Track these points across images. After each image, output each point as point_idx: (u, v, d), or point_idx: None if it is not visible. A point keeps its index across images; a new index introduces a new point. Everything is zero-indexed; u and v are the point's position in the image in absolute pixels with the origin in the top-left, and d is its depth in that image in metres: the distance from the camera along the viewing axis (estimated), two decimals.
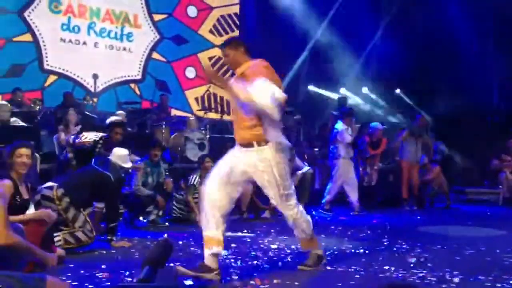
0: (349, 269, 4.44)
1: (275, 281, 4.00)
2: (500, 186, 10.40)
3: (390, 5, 13.95)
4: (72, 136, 6.76)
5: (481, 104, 13.40)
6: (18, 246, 2.71)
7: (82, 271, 4.13)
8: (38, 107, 9.35)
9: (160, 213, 6.94)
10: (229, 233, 6.16)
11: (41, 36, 11.32)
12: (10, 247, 2.66)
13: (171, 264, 4.04)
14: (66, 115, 8.22)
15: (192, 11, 13.17)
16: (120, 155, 5.59)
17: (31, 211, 4.30)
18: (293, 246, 5.45)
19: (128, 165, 5.64)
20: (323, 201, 8.68)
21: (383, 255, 5.10)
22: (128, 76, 12.21)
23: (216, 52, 13.46)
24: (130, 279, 3.91)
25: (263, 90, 3.85)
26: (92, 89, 11.43)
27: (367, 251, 5.30)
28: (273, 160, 4.06)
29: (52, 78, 11.41)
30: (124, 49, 12.21)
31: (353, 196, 8.69)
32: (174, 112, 11.91)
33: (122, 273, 4.09)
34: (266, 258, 4.87)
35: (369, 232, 6.59)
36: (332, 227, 7.02)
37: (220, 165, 4.21)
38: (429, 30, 13.40)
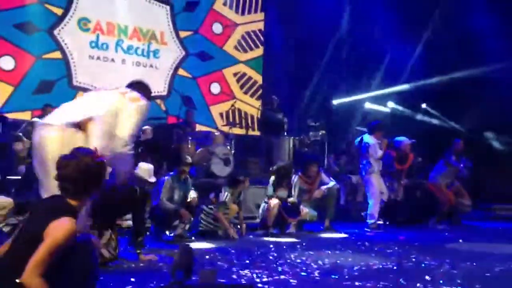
0: (378, 285, 4.40)
1: None
2: None
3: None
4: None
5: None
6: None
7: (111, 284, 4.18)
8: None
9: (187, 227, 6.97)
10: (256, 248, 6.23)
11: (70, 53, 11.57)
12: None
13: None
14: None
15: (217, 27, 13.34)
16: (145, 169, 5.68)
17: None
18: (319, 261, 5.44)
19: (153, 179, 5.73)
20: (370, 222, 8.57)
21: (411, 271, 5.05)
22: (155, 92, 12.35)
23: (241, 68, 13.61)
24: None
25: None
26: None
27: (395, 267, 5.25)
28: None
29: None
30: (151, 65, 12.40)
31: (376, 209, 8.61)
32: (199, 127, 12.01)
33: (151, 286, 4.13)
34: (293, 273, 4.85)
35: (396, 248, 6.52)
36: (359, 243, 6.97)
37: None
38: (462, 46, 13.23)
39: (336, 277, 4.73)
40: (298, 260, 5.50)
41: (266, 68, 13.99)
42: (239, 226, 7.32)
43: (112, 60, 11.94)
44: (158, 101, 12.33)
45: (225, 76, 13.40)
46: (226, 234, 7.15)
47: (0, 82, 10.76)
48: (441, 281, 4.59)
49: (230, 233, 7.04)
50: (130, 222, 5.71)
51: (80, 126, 4.17)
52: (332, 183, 8.34)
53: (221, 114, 13.05)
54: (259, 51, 13.96)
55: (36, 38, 11.22)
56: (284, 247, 6.44)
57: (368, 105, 14.28)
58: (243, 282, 4.41)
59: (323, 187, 8.26)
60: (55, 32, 11.45)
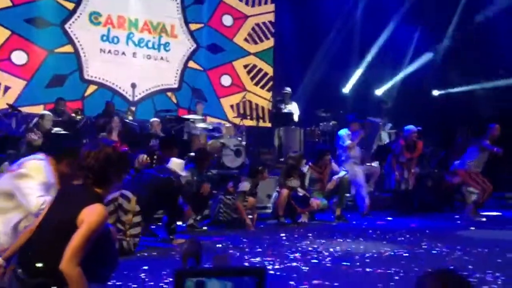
0: (388, 271, 4.43)
1: (314, 281, 4.04)
2: None
3: None
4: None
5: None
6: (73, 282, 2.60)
7: (125, 272, 4.25)
8: (79, 117, 9.63)
9: (198, 217, 7.04)
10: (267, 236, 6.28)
11: (81, 47, 11.66)
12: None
13: None
14: (111, 122, 8.45)
15: (227, 20, 13.36)
16: (177, 163, 6.02)
17: None
18: (331, 249, 5.48)
19: (184, 173, 6.05)
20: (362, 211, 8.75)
21: (422, 258, 5.08)
22: (165, 84, 12.45)
23: (251, 60, 13.62)
24: (170, 279, 4.01)
25: None
26: (130, 98, 11.71)
27: (406, 254, 5.28)
28: None
29: (92, 88, 11.73)
30: (162, 58, 12.46)
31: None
32: (210, 120, 12.07)
33: (163, 274, 4.20)
34: (304, 260, 4.90)
35: (407, 235, 6.55)
36: (370, 231, 7.00)
37: None
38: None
39: (348, 264, 4.78)
40: (310, 248, 5.55)
41: (277, 60, 13.99)
42: (250, 216, 7.36)
43: (123, 53, 12.02)
44: (169, 93, 12.40)
45: (235, 68, 13.42)
46: (242, 224, 7.20)
47: (13, 77, 10.88)
48: (452, 267, 4.62)
49: (248, 223, 7.10)
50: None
51: None
52: (343, 173, 8.36)
53: (231, 106, 13.09)
54: (269, 43, 13.95)
55: (47, 33, 11.33)
56: (296, 236, 6.49)
57: (378, 93, 14.26)
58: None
59: (335, 177, 8.28)
60: (67, 26, 11.55)
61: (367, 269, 4.53)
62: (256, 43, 13.75)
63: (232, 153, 9.79)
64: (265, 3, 13.87)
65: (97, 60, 11.77)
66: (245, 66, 13.55)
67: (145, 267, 4.46)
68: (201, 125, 10.33)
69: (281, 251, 5.38)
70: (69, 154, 4.00)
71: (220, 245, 5.66)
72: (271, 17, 13.95)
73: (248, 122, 11.81)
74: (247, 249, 5.43)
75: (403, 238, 6.35)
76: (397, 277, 4.23)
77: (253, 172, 7.45)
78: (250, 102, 13.30)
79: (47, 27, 11.31)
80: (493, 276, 4.26)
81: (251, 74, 13.65)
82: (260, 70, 13.76)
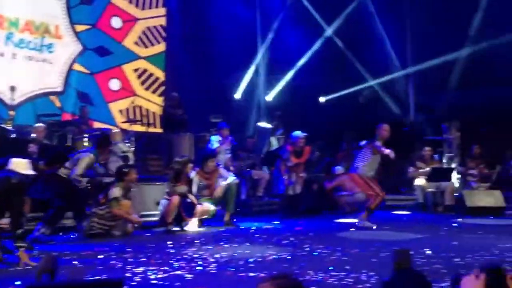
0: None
1: None
2: (416, 193, 10.91)
3: None
4: None
5: (398, 115, 14.19)
6: None
7: None
8: None
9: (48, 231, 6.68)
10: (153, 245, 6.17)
11: None
12: None
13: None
14: None
15: (116, 22, 12.96)
16: (19, 162, 5.23)
17: None
18: (217, 255, 5.49)
19: (30, 172, 5.36)
20: None
21: (304, 260, 5.25)
22: (48, 88, 11.82)
23: (142, 64, 13.34)
24: None
25: None
26: (9, 102, 10.96)
27: (289, 257, 5.43)
28: None
29: None
30: (44, 60, 11.80)
31: None
32: (98, 125, 11.62)
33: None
34: (189, 268, 4.87)
35: (292, 238, 6.73)
36: (257, 235, 7.12)
37: None
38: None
39: (232, 269, 4.81)
40: (196, 255, 5.52)
41: (168, 64, 13.83)
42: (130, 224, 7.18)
43: (1, 54, 11.24)
44: (53, 97, 11.79)
45: (125, 72, 13.05)
46: (123, 232, 7.01)
47: None
48: (331, 268, 4.82)
49: (136, 220, 6.93)
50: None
51: None
52: (231, 178, 8.42)
53: (120, 111, 12.72)
54: (161, 47, 13.73)
55: None
56: (182, 243, 6.43)
57: (269, 98, 14.60)
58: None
59: (223, 183, 8.32)
60: None
61: (251, 274, 4.59)
62: (147, 47, 13.48)
63: (119, 159, 9.50)
64: (156, 6, 13.65)
65: None
66: (135, 70, 13.23)
67: (18, 282, 4.19)
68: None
69: (165, 259, 5.29)
70: None
71: (101, 256, 5.45)
72: (162, 21, 13.75)
73: (138, 128, 11.52)
74: (130, 259, 5.29)
75: (287, 241, 6.52)
76: None
77: (120, 175, 7.24)
78: (140, 107, 13.02)
79: None
80: (367, 275, 4.49)
81: (142, 79, 13.36)
82: (151, 74, 13.52)
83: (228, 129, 10.17)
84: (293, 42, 13.93)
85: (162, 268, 4.82)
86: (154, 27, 13.64)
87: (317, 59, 14.41)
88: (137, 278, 4.44)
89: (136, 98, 12.80)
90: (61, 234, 6.90)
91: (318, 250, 5.79)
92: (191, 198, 7.72)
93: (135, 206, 7.81)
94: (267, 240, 6.70)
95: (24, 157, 5.52)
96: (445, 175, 10.82)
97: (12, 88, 10.58)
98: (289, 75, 14.51)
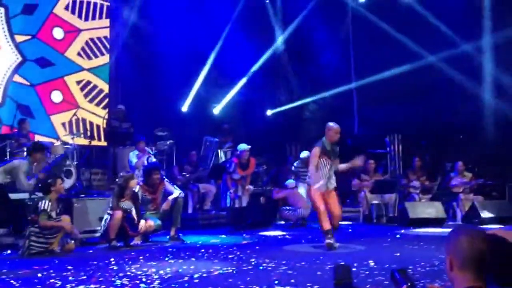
0: None
1: None
2: (360, 205, 11.13)
3: None
4: None
5: (343, 128, 14.39)
6: None
7: None
8: None
9: None
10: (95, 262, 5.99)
11: None
12: None
13: None
14: None
15: (58, 33, 12.62)
16: None
17: None
18: (161, 271, 5.39)
19: None
20: None
21: (250, 275, 5.22)
22: None
23: (85, 75, 13.04)
24: None
25: None
26: None
27: (234, 272, 5.38)
28: None
29: None
30: None
31: None
32: (38, 138, 11.24)
33: None
34: (132, 286, 4.74)
35: (238, 252, 6.70)
36: (203, 250, 7.03)
37: None
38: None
39: (176, 286, 4.72)
40: (139, 272, 5.39)
41: (113, 77, 13.58)
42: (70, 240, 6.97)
43: None
44: None
45: (67, 83, 12.71)
46: (64, 248, 6.78)
47: None
48: (276, 282, 4.81)
49: (68, 228, 6.73)
50: None
51: None
52: (177, 192, 8.31)
53: (63, 124, 12.36)
54: (105, 59, 13.47)
55: None
56: (126, 259, 6.27)
57: (216, 112, 14.59)
58: None
59: (170, 198, 8.19)
60: None
61: None
62: (90, 58, 13.20)
63: (61, 174, 9.20)
64: (100, 17, 13.41)
65: None
66: (78, 82, 12.91)
67: None
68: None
69: (108, 276, 5.15)
70: None
71: (40, 274, 5.24)
72: (106, 32, 13.52)
73: (81, 141, 11.21)
74: (70, 277, 5.11)
75: (233, 256, 6.48)
76: None
77: (45, 188, 7.00)
78: (84, 120, 12.71)
79: None
80: None
81: (85, 91, 13.05)
82: (95, 86, 13.23)
83: (144, 142, 10.21)
84: (240, 56, 13.99)
85: (103, 286, 4.68)
86: (98, 38, 13.40)
87: (264, 73, 14.54)
88: None
89: (79, 111, 12.49)
90: None
91: (264, 264, 5.78)
92: (133, 214, 7.53)
93: (77, 221, 7.59)
94: (213, 254, 6.64)
95: None
96: (388, 187, 11.09)
97: None
98: (236, 88, 14.56)
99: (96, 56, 13.29)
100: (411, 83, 12.90)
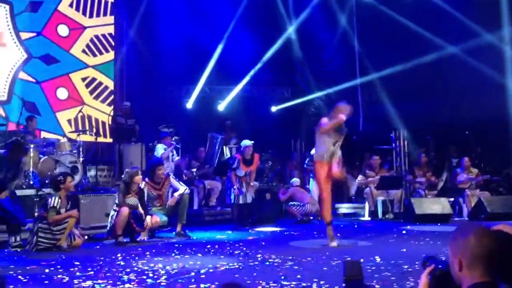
0: None
1: None
2: (366, 201, 11.12)
3: None
4: None
5: (348, 124, 14.36)
6: None
7: None
8: None
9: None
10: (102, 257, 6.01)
11: None
12: None
13: None
14: None
15: (63, 30, 12.65)
16: None
17: None
18: (168, 267, 5.40)
19: None
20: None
21: (256, 270, 5.22)
22: None
23: (90, 72, 13.07)
24: None
25: None
26: None
27: (241, 267, 5.39)
28: None
29: None
30: None
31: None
32: (44, 135, 11.29)
33: None
34: (139, 281, 4.76)
35: (244, 248, 6.71)
36: (209, 246, 7.04)
37: None
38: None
39: (183, 281, 4.73)
40: (146, 267, 5.41)
41: (118, 74, 13.59)
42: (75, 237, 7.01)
43: None
44: None
45: (72, 80, 12.74)
46: (72, 244, 6.81)
47: None
48: (282, 277, 4.81)
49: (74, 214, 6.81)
50: None
51: None
52: (183, 188, 8.32)
53: (69, 121, 12.40)
54: (109, 56, 13.49)
55: None
56: (133, 255, 6.29)
57: (221, 109, 14.59)
58: None
59: (176, 194, 8.21)
60: None
61: (202, 285, 4.53)
62: (95, 55, 13.22)
63: (68, 170, 9.23)
64: (104, 14, 13.41)
65: None
66: (83, 79, 12.94)
67: None
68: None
69: (115, 272, 5.16)
70: None
71: (47, 270, 5.26)
72: (110, 29, 13.53)
73: (86, 138, 11.23)
74: (78, 273, 5.13)
75: (239, 251, 6.49)
76: None
77: (55, 185, 7.03)
78: (90, 116, 12.73)
79: None
80: (319, 284, 4.50)
81: (90, 88, 13.08)
82: (100, 83, 13.26)
83: (170, 137, 10.39)
84: (245, 52, 13.98)
85: (110, 282, 4.69)
86: (103, 35, 13.41)
87: (269, 69, 14.51)
88: None
89: (85, 107, 12.52)
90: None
91: (270, 260, 5.79)
92: (140, 210, 7.55)
93: (84, 218, 7.64)
94: (219, 250, 6.65)
95: None
96: (393, 183, 11.07)
97: None
98: (241, 85, 14.55)
99: (101, 53, 13.31)
100: (416, 79, 12.86)
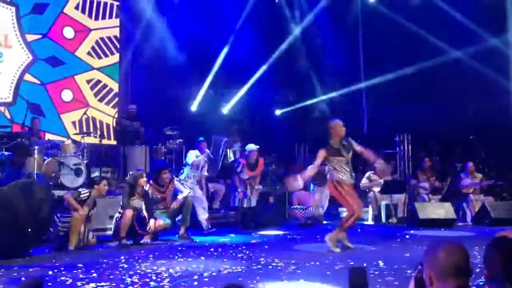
0: None
1: None
2: (370, 205, 11.09)
3: None
4: None
5: (352, 128, 14.37)
6: None
7: None
8: None
9: None
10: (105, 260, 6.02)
11: None
12: None
13: None
14: None
15: (68, 32, 12.69)
16: None
17: None
18: (171, 270, 5.41)
19: None
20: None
21: (259, 274, 5.22)
22: None
23: (95, 75, 13.10)
24: None
25: None
26: None
27: (244, 271, 5.39)
28: None
29: None
30: None
31: (201, 215, 9.05)
32: (49, 137, 11.33)
33: None
34: (142, 283, 4.76)
35: (247, 252, 6.70)
36: (212, 249, 7.05)
37: None
38: None
39: (186, 284, 4.74)
40: (149, 270, 5.42)
41: (123, 76, 13.62)
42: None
43: None
44: (2, 108, 11.44)
45: (77, 82, 12.79)
46: (82, 241, 6.88)
47: None
48: (285, 280, 4.82)
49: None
50: None
51: None
52: (187, 191, 8.33)
53: (73, 123, 12.44)
54: (114, 58, 13.52)
55: None
56: (136, 257, 6.30)
57: (225, 111, 14.62)
58: None
59: (179, 196, 8.22)
60: None
61: None
62: (100, 57, 13.26)
63: (71, 172, 9.27)
64: (110, 17, 13.45)
65: None
66: (88, 81, 12.98)
67: None
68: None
69: (118, 275, 5.17)
70: None
71: (51, 272, 5.27)
72: (116, 31, 13.57)
73: (91, 140, 11.27)
74: (81, 275, 5.14)
75: (242, 255, 6.49)
76: None
77: (90, 182, 7.45)
78: (94, 118, 12.76)
79: None
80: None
81: (95, 90, 13.11)
82: (105, 85, 13.29)
83: (205, 143, 9.74)
84: (249, 55, 14.00)
85: (114, 284, 4.70)
86: (108, 37, 13.44)
87: (273, 73, 14.53)
88: None
89: (90, 109, 12.55)
90: None
91: (273, 264, 5.78)
92: (144, 212, 7.56)
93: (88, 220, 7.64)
94: (222, 253, 6.65)
95: None
96: (397, 187, 11.05)
97: None
98: (245, 88, 14.57)
99: (106, 56, 13.34)
100: (421, 83, 12.84)
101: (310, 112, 15.11)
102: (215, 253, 6.68)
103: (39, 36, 12.21)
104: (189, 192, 8.40)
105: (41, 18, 12.29)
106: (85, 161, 9.84)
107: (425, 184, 11.42)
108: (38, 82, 12.13)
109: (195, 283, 4.77)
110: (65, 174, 9.15)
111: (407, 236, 8.60)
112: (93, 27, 13.14)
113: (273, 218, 10.27)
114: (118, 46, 13.54)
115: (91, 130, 12.11)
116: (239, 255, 6.44)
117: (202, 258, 6.28)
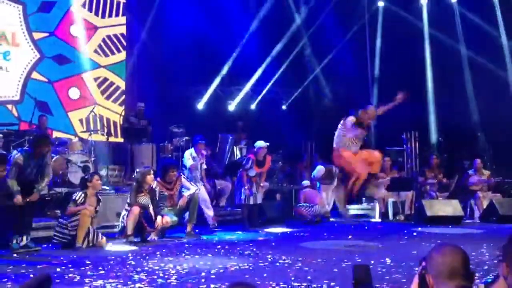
0: None
1: None
2: (377, 202, 11.07)
3: None
4: None
5: None
6: None
7: None
8: None
9: (28, 238, 6.52)
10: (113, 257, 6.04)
11: None
12: None
13: None
14: None
15: (75, 30, 12.72)
16: None
17: None
18: (178, 267, 5.42)
19: None
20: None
21: (266, 271, 5.23)
22: (5, 96, 11.52)
23: (102, 72, 13.14)
24: None
25: None
26: None
27: (251, 268, 5.40)
28: None
29: None
30: (1, 68, 11.50)
31: (208, 212, 9.10)
32: (56, 134, 11.38)
33: None
34: (149, 280, 4.78)
35: (254, 249, 6.71)
36: (219, 246, 7.05)
37: None
38: None
39: (194, 281, 4.75)
40: (156, 267, 5.43)
41: (129, 74, 13.65)
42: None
43: None
44: (10, 106, 11.49)
45: (85, 80, 12.82)
46: (92, 242, 6.90)
47: None
48: (292, 278, 4.82)
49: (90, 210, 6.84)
50: None
51: None
52: (194, 188, 8.34)
53: (80, 120, 12.47)
54: (121, 56, 13.55)
55: None
56: (144, 254, 6.32)
57: (231, 108, 14.63)
58: None
59: (186, 194, 8.22)
60: None
61: (212, 286, 4.54)
62: (107, 55, 13.29)
63: (79, 169, 9.30)
64: (116, 15, 13.48)
65: None
66: (96, 79, 13.02)
67: None
68: None
69: (126, 271, 5.19)
70: None
71: (59, 269, 5.30)
72: (122, 29, 13.59)
73: (98, 137, 11.30)
74: (89, 272, 5.16)
75: (249, 252, 6.49)
76: None
77: (83, 184, 7.19)
78: (101, 116, 12.77)
79: None
80: (329, 285, 4.50)
81: (102, 88, 13.15)
82: (112, 83, 13.33)
83: (204, 144, 9.52)
84: (255, 52, 14.00)
85: (121, 281, 4.71)
86: (115, 35, 13.48)
87: (279, 70, 14.53)
88: None
89: (97, 107, 12.57)
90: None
91: (280, 261, 5.79)
92: (150, 210, 7.57)
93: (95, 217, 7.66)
94: (229, 250, 6.65)
95: None
96: (404, 185, 11.02)
97: None
98: (250, 84, 14.57)
99: (113, 53, 13.37)
100: (428, 81, 12.80)
101: (317, 109, 15.07)
102: (222, 250, 6.68)
103: (46, 34, 12.25)
104: (196, 190, 8.40)
105: (48, 16, 12.33)
106: (93, 159, 9.88)
107: (433, 181, 11.37)
108: (46, 80, 12.17)
109: (203, 280, 4.77)
110: (72, 172, 9.20)
111: (414, 234, 8.58)
112: (100, 25, 13.17)
113: (279, 216, 10.26)
114: (124, 44, 13.57)
115: (98, 127, 12.14)
116: (246, 252, 6.45)
117: (209, 255, 6.29)
